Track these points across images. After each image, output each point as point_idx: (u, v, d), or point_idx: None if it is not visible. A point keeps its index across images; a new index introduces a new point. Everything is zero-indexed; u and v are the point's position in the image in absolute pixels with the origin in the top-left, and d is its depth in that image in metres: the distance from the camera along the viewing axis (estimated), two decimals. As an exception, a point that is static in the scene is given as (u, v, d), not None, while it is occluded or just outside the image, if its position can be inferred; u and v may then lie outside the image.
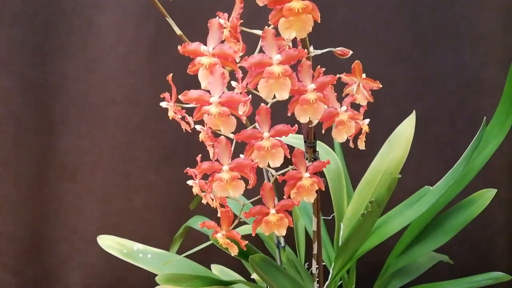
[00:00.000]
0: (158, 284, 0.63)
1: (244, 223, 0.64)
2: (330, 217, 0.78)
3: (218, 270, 0.87)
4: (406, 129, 0.67)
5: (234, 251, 0.46)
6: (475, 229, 0.97)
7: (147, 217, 1.01)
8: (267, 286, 0.73)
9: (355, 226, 0.59)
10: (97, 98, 0.92)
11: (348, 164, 0.82)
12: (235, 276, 0.85)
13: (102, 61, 0.89)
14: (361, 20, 0.88)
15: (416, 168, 0.95)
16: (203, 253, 0.79)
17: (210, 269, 0.84)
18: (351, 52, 0.45)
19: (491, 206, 0.65)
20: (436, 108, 0.92)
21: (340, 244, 0.70)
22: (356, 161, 0.78)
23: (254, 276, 0.72)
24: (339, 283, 0.80)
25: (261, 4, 0.36)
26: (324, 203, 0.77)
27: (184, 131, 0.46)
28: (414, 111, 0.67)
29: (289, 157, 0.42)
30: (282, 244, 0.68)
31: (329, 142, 0.79)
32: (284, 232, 0.45)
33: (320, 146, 0.76)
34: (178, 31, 0.45)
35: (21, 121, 0.92)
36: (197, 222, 0.82)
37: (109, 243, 0.77)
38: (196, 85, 0.39)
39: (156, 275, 0.62)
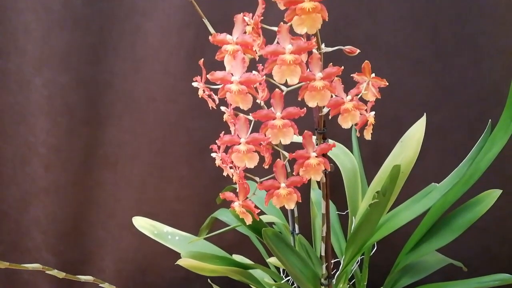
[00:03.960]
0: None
1: (261, 212, 0.69)
2: (345, 213, 0.82)
3: (238, 258, 0.93)
4: (417, 130, 0.71)
5: (248, 220, 0.53)
6: (485, 229, 0.98)
7: (177, 207, 1.08)
8: (283, 270, 0.79)
9: (363, 216, 0.64)
10: (140, 96, 1.01)
11: (367, 168, 0.86)
12: (254, 264, 0.90)
13: (146, 62, 0.99)
14: (383, 32, 0.93)
15: (435, 175, 0.97)
16: (226, 246, 0.86)
17: (231, 256, 0.90)
18: (358, 50, 0.51)
19: (502, 207, 0.67)
20: (455, 119, 0.96)
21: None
22: (375, 165, 0.83)
23: (269, 260, 0.78)
24: (352, 281, 0.84)
25: (282, 8, 0.43)
26: (340, 200, 0.83)
27: (210, 108, 0.54)
28: (425, 113, 0.71)
29: (298, 135, 0.48)
30: (297, 231, 0.73)
31: (349, 146, 0.84)
32: (292, 206, 0.51)
33: (338, 146, 0.82)
34: (212, 31, 0.53)
35: (73, 113, 1.02)
36: (223, 215, 0.89)
37: (142, 223, 0.85)
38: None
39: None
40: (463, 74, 0.94)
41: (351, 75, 0.58)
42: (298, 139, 0.50)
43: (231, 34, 0.44)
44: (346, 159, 0.80)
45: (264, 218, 0.77)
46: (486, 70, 0.93)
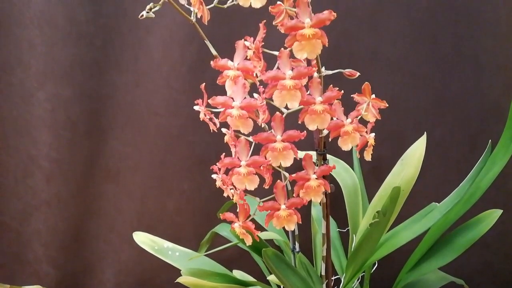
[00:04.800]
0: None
1: (261, 226, 0.70)
2: (345, 230, 0.82)
3: (238, 275, 0.93)
4: (417, 149, 0.71)
5: (248, 241, 0.53)
6: (486, 245, 0.98)
7: (178, 220, 1.08)
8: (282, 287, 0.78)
9: (364, 235, 0.64)
10: (142, 109, 1.01)
11: (367, 183, 0.86)
12: (254, 280, 0.90)
13: (149, 76, 1.00)
14: (384, 48, 0.94)
15: (435, 191, 0.98)
16: (226, 261, 0.86)
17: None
18: (358, 73, 0.51)
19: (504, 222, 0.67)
20: (456, 133, 0.96)
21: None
22: (376, 181, 0.83)
23: (269, 277, 0.78)
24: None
25: (282, 30, 0.44)
26: (341, 217, 0.83)
27: (211, 131, 0.54)
28: (425, 132, 0.71)
29: (298, 159, 0.48)
30: (297, 249, 0.73)
31: (350, 163, 0.85)
32: (292, 227, 0.51)
33: (339, 163, 0.82)
34: (214, 52, 0.54)
35: (76, 126, 1.02)
36: (223, 229, 0.89)
37: (143, 239, 0.85)
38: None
39: (183, 273, 0.68)
40: (464, 89, 0.95)
41: (352, 95, 0.58)
42: (301, 154, 0.50)
43: (232, 56, 0.45)
44: (347, 176, 0.80)
45: (265, 235, 0.76)
46: (486, 86, 0.93)
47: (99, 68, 1.00)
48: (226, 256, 0.97)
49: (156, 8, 0.51)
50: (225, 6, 0.55)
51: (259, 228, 0.59)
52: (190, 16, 0.53)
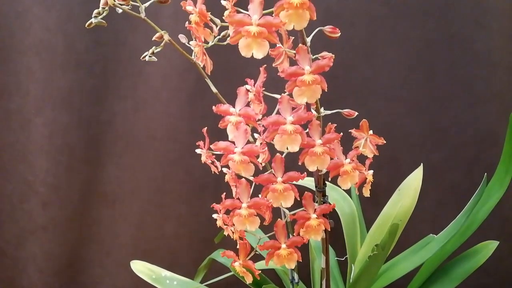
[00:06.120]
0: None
1: (260, 256, 0.70)
2: (343, 259, 0.83)
3: (236, 301, 0.92)
4: (414, 179, 0.72)
5: (248, 279, 0.53)
6: (484, 270, 0.98)
7: (175, 245, 1.08)
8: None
9: (363, 267, 0.64)
10: (141, 135, 1.02)
11: (365, 209, 0.87)
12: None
13: (148, 103, 1.00)
14: (380, 76, 0.95)
15: (432, 217, 0.99)
16: (224, 285, 0.85)
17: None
18: (356, 113, 0.52)
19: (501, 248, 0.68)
20: (452, 159, 0.97)
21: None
22: (373, 207, 0.84)
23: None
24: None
25: (282, 76, 0.45)
26: (339, 245, 0.83)
27: (213, 172, 0.55)
28: (421, 164, 0.72)
29: (299, 199, 0.49)
30: (296, 280, 0.73)
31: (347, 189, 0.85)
32: (293, 266, 0.51)
33: (337, 191, 0.83)
34: (214, 90, 0.54)
35: (73, 152, 1.03)
36: (221, 255, 0.89)
37: (140, 268, 0.84)
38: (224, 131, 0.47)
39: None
40: (459, 116, 0.96)
41: (349, 130, 0.59)
42: (303, 182, 0.51)
43: (231, 87, 0.45)
44: (345, 204, 0.80)
45: (263, 265, 0.77)
46: (481, 113, 0.95)
47: (98, 94, 1.00)
48: (224, 282, 0.97)
49: (158, 50, 0.52)
50: (225, 43, 0.56)
51: (258, 257, 0.59)
52: (191, 55, 0.54)
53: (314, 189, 0.55)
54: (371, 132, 0.57)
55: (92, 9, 0.48)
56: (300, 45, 0.44)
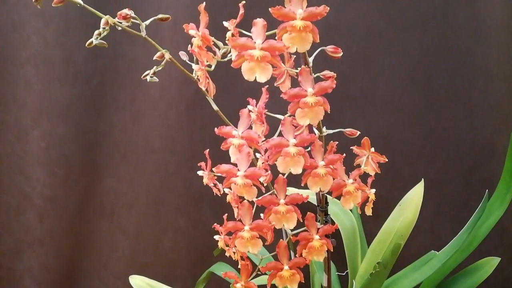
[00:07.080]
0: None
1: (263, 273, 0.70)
2: (344, 273, 0.82)
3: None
4: (416, 194, 0.72)
5: (250, 300, 0.52)
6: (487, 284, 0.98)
7: (173, 258, 1.07)
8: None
9: (364, 285, 0.64)
10: (139, 146, 1.01)
11: (365, 223, 0.87)
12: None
13: (146, 114, 1.00)
14: (378, 88, 0.95)
15: (431, 227, 0.98)
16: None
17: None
18: (358, 132, 0.52)
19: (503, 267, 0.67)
20: (450, 170, 0.97)
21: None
22: (373, 219, 0.83)
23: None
24: None
25: (285, 98, 0.45)
26: (339, 259, 0.83)
27: (214, 194, 0.54)
28: (422, 179, 0.72)
29: (302, 220, 0.48)
30: (297, 295, 0.73)
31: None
32: (295, 287, 0.51)
33: (337, 205, 0.82)
34: (215, 107, 0.54)
35: (71, 164, 1.02)
36: (220, 269, 0.87)
37: (139, 282, 0.83)
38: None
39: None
40: (456, 127, 0.96)
41: (351, 147, 0.59)
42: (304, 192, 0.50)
43: (231, 101, 0.44)
44: (346, 218, 0.80)
45: (264, 279, 0.76)
46: (478, 124, 0.95)
47: (95, 106, 0.99)
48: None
49: (159, 69, 0.51)
50: (225, 59, 0.56)
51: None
52: (192, 74, 0.53)
53: (315, 202, 0.55)
54: (372, 149, 0.57)
55: (90, 21, 0.47)
56: (302, 66, 0.44)
